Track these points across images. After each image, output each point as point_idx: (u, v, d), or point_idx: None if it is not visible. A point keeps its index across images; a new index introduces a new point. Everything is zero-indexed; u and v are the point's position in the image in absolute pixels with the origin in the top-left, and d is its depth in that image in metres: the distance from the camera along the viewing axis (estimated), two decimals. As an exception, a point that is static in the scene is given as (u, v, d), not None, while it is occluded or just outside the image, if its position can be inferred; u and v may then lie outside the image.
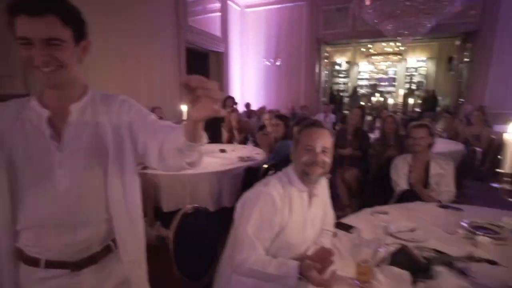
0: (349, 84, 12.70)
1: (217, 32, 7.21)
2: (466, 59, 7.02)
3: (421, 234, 1.54)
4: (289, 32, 7.81)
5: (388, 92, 11.62)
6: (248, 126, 4.88)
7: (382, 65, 11.70)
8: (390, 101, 8.35)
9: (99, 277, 0.99)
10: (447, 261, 1.24)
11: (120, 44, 4.26)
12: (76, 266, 0.95)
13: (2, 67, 2.85)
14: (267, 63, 7.13)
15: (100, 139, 0.96)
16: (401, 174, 2.43)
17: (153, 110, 4.47)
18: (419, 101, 9.32)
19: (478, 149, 3.64)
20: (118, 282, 1.03)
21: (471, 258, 1.27)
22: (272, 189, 1.28)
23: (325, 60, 8.58)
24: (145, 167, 2.83)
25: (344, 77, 12.95)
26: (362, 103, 9.14)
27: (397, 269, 1.18)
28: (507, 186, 1.03)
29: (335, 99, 10.33)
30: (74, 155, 0.92)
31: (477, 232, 1.51)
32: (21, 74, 2.85)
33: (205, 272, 1.57)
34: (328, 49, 11.64)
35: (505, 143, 1.05)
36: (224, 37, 7.40)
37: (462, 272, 1.21)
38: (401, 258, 1.25)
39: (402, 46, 9.32)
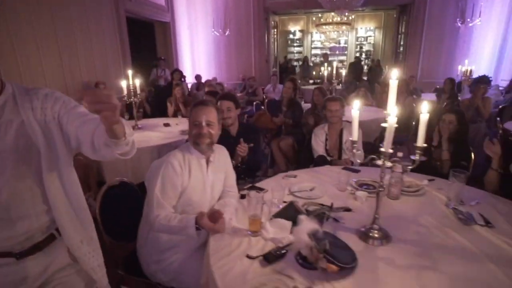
0: (303, 53, 12.98)
1: (161, 1, 6.92)
2: (402, 30, 7.52)
3: (318, 192, 1.87)
4: (237, 2, 7.72)
5: (341, 61, 12.11)
6: (195, 100, 4.96)
7: (334, 35, 12.03)
8: (342, 71, 8.78)
9: (45, 262, 1.04)
10: (323, 211, 1.56)
11: (52, 19, 4.01)
12: (21, 255, 0.98)
13: None
14: (216, 33, 7.06)
15: (28, 138, 0.94)
16: (319, 142, 2.77)
17: (96, 85, 4.37)
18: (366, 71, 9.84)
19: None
20: (65, 263, 1.09)
21: (338, 208, 1.61)
22: (173, 158, 1.52)
23: (274, 30, 8.64)
24: None
25: (298, 46, 13.18)
26: (314, 72, 9.47)
27: (282, 220, 1.48)
28: (421, 158, 1.29)
29: (287, 69, 10.54)
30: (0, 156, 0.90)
31: (358, 188, 1.87)
32: None
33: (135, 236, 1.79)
34: (282, 17, 11.67)
35: (420, 122, 1.31)
36: (169, 7, 7.13)
37: (335, 219, 1.56)
38: (288, 211, 1.55)
39: (351, 15, 9.62)
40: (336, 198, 1.81)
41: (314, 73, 9.02)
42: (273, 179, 2.12)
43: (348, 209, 1.63)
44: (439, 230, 1.45)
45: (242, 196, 1.84)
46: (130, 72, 3.56)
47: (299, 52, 13.07)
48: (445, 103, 4.93)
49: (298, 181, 2.06)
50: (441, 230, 1.45)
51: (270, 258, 1.26)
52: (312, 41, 12.90)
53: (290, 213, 1.55)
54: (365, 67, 10.56)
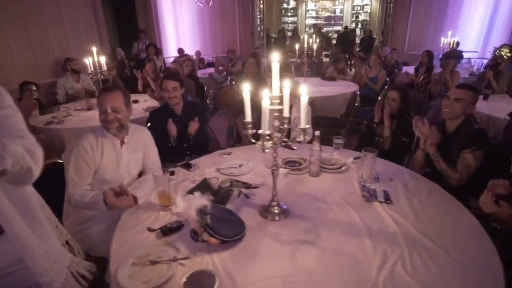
0: (298, 24, 12.59)
1: (141, -32, 6.66)
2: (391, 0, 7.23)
3: (244, 169, 1.95)
4: (220, -32, 7.39)
5: (337, 32, 11.74)
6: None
7: (328, 4, 11.59)
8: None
9: None
10: (231, 188, 1.65)
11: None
12: None
13: None
14: (200, 4, 6.85)
15: None
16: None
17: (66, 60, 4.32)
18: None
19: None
20: (14, 261, 1.10)
21: (247, 185, 1.70)
22: (85, 140, 1.63)
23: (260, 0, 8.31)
24: (48, 123, 3.00)
25: (292, 16, 12.77)
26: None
27: (191, 195, 1.56)
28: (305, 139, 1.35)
29: (276, 41, 10.28)
30: None
31: (282, 166, 1.94)
32: None
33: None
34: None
35: (301, 104, 1.35)
36: (149, -25, 6.86)
37: (246, 196, 1.65)
38: (201, 188, 1.64)
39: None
40: (260, 175, 1.88)
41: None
42: (209, 156, 2.19)
43: (255, 187, 1.71)
44: (339, 207, 1.52)
45: (172, 173, 1.93)
46: (94, 49, 3.55)
47: (294, 23, 12.69)
48: (422, 77, 4.86)
49: (231, 158, 2.13)
50: (342, 206, 1.52)
51: (165, 231, 1.36)
52: (306, 11, 12.47)
53: (202, 189, 1.64)
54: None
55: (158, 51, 6.00)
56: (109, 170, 1.66)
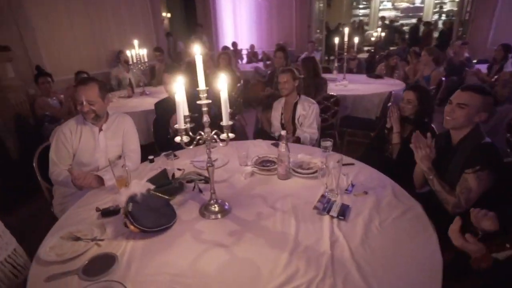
0: (371, 17, 11.65)
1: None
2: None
3: (216, 163, 1.91)
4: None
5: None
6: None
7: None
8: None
9: None
10: (189, 180, 1.65)
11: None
12: None
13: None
14: (258, -3, 6.86)
15: None
16: (276, 116, 2.69)
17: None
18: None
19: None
20: None
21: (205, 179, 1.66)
22: (65, 126, 1.81)
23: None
24: None
25: (364, 8, 11.85)
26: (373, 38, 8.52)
27: (145, 183, 1.61)
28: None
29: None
30: None
31: (249, 164, 1.85)
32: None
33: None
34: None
35: (222, 100, 1.30)
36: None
37: (200, 190, 1.63)
38: (159, 177, 1.69)
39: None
40: (229, 171, 1.84)
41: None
42: (198, 147, 2.21)
43: (206, 181, 1.67)
44: (283, 215, 1.39)
45: (151, 160, 2.02)
46: (136, 42, 3.89)
47: (365, 15, 11.79)
48: (495, 77, 4.04)
49: (213, 151, 2.12)
50: (286, 215, 1.39)
51: (104, 212, 1.44)
52: (380, 2, 11.44)
53: (159, 178, 1.68)
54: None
55: (203, 45, 6.26)
56: (86, 154, 1.83)
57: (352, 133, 3.39)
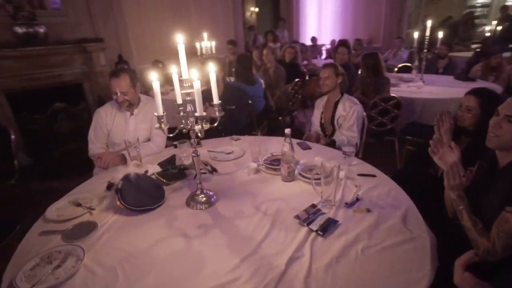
0: (492, 6, 9.63)
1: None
2: None
3: (229, 156, 1.92)
4: None
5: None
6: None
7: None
8: None
9: None
10: (185, 168, 1.69)
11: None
12: None
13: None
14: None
15: None
16: (316, 114, 2.51)
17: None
18: None
19: None
20: None
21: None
22: (102, 109, 2.07)
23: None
24: (162, 93, 3.83)
25: (484, -2, 9.83)
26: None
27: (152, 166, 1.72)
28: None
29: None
30: None
31: (257, 161, 1.77)
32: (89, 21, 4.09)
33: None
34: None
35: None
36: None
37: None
38: (167, 161, 1.77)
39: None
40: (238, 165, 1.81)
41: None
42: (220, 139, 2.25)
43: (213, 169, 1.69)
44: (261, 219, 1.29)
45: (175, 146, 2.13)
46: (205, 34, 4.13)
47: (485, 6, 9.79)
48: None
49: (234, 144, 2.12)
50: (264, 219, 1.29)
51: (108, 186, 1.58)
52: (508, -10, 9.33)
53: (166, 163, 1.77)
54: None
55: (276, 38, 6.19)
56: (118, 135, 2.04)
57: (414, 142, 2.91)
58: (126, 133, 2.05)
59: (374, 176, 1.60)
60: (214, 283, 0.98)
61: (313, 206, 1.34)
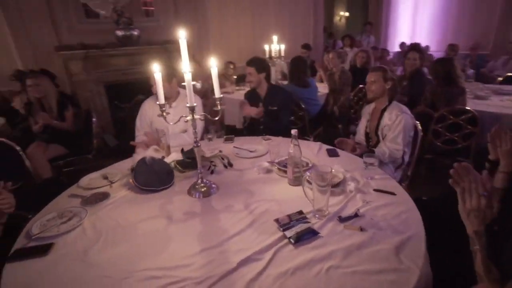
0: None
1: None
2: None
3: (251, 154, 1.93)
4: None
5: None
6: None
7: None
8: None
9: None
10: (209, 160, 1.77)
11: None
12: None
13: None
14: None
15: None
16: (363, 122, 2.30)
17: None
18: None
19: None
20: None
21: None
22: (146, 100, 2.33)
23: None
24: (226, 92, 4.07)
25: None
26: None
27: (177, 154, 1.86)
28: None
29: None
30: None
31: (272, 161, 1.73)
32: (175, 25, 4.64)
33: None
34: None
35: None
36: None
37: (211, 171, 1.72)
38: (190, 151, 1.88)
39: None
40: (256, 162, 1.80)
41: None
42: (253, 138, 2.27)
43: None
44: (246, 217, 1.27)
45: (209, 139, 2.25)
46: (275, 37, 4.19)
47: None
48: None
49: (264, 143, 2.10)
50: (249, 218, 1.26)
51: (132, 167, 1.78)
52: None
53: (189, 152, 1.88)
54: None
55: (353, 43, 5.76)
56: (158, 124, 2.24)
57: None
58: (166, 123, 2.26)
59: (393, 194, 1.39)
60: (167, 264, 1.02)
61: (300, 213, 1.25)
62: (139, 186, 1.51)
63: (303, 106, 3.07)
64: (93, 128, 2.99)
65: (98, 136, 3.14)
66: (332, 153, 1.88)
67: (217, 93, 1.35)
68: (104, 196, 1.48)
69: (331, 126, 3.76)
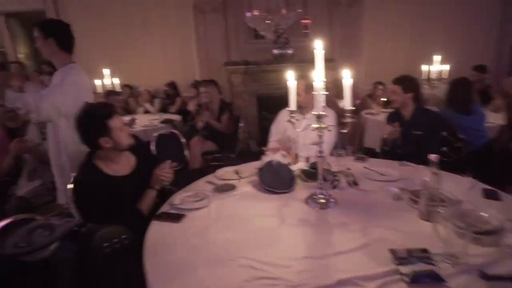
0: None
1: None
2: None
3: (380, 177, 1.75)
4: None
5: None
6: None
7: None
8: None
9: None
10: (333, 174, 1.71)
11: None
12: None
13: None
14: None
15: None
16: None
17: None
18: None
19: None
20: None
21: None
22: (281, 113, 2.49)
23: None
24: None
25: None
26: None
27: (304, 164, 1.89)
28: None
29: None
30: None
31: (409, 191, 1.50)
32: (328, 45, 4.77)
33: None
34: None
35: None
36: None
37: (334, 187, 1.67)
38: (314, 164, 1.87)
39: None
40: (383, 185, 1.61)
41: None
42: (390, 162, 2.04)
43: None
44: (358, 239, 1.16)
45: (340, 155, 2.17)
46: (436, 57, 3.70)
47: None
48: None
49: (397, 168, 1.87)
50: (359, 239, 1.15)
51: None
52: None
53: (313, 166, 1.87)
54: None
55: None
56: (291, 132, 2.32)
57: None
58: (297, 134, 2.33)
59: None
60: (268, 260, 1.05)
61: (424, 251, 1.03)
62: (263, 185, 1.63)
63: (461, 136, 2.54)
64: (240, 132, 3.43)
65: (244, 140, 3.58)
66: (490, 195, 1.47)
67: (348, 105, 1.31)
68: (232, 187, 1.68)
69: (503, 166, 2.94)
